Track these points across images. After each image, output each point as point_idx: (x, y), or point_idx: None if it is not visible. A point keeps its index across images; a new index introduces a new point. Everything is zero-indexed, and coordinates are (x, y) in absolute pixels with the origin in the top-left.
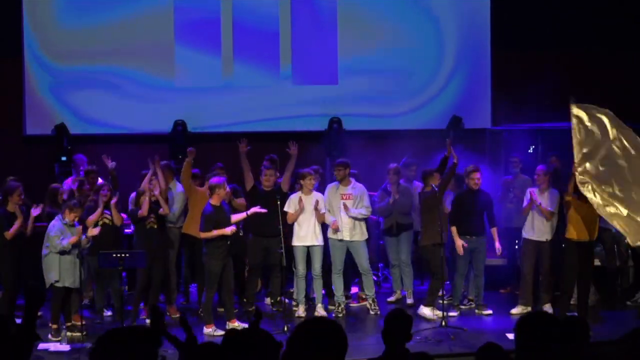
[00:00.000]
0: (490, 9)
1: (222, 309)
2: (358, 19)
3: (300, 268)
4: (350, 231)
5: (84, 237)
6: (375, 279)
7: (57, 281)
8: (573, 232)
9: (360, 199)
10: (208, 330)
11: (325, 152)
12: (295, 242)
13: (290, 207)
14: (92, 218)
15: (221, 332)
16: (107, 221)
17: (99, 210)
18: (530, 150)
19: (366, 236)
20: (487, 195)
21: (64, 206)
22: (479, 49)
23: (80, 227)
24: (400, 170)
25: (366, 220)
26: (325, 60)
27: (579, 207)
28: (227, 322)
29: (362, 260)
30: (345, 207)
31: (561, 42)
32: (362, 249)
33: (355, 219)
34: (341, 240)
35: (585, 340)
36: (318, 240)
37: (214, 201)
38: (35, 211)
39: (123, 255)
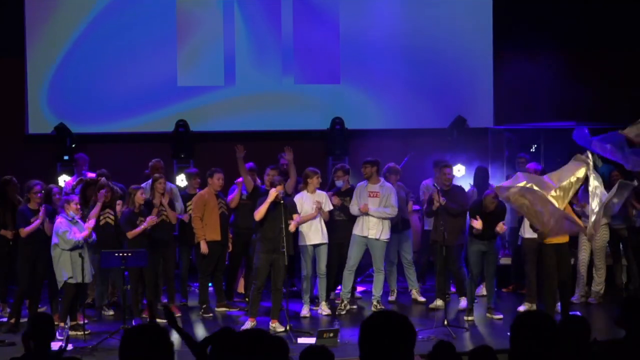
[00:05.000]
0: (492, 8)
1: (222, 308)
2: (360, 18)
3: (308, 268)
4: (377, 229)
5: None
6: None
7: (70, 277)
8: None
9: (386, 197)
10: (252, 323)
11: (327, 151)
12: (303, 241)
13: (297, 206)
14: (91, 215)
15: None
16: (109, 221)
17: (97, 207)
18: (533, 150)
19: (389, 236)
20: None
21: (61, 202)
22: (481, 48)
23: (92, 221)
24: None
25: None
26: (327, 59)
27: None
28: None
29: (380, 259)
30: (366, 207)
31: (563, 41)
32: (383, 248)
33: (378, 217)
34: (363, 236)
35: (585, 340)
36: (324, 239)
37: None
38: (41, 211)
39: (125, 254)
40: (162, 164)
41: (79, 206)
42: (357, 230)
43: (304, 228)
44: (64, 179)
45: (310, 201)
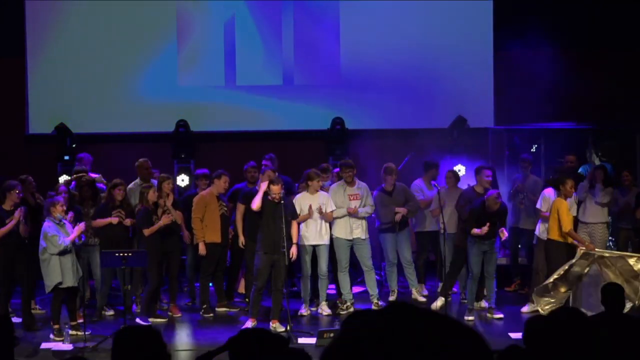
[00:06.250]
0: (493, 8)
1: (222, 308)
2: (360, 17)
3: (307, 268)
4: (361, 229)
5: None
6: (378, 278)
7: (60, 283)
8: (558, 233)
9: (365, 198)
10: (253, 323)
11: (327, 151)
12: (302, 241)
13: (297, 207)
14: (105, 220)
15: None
16: (123, 221)
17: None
18: (533, 150)
19: (368, 234)
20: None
21: (46, 206)
22: (481, 48)
23: (82, 225)
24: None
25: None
26: (327, 60)
27: (564, 208)
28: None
29: (367, 258)
30: (355, 210)
31: (564, 41)
32: (368, 246)
33: (362, 217)
34: (349, 240)
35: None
36: (324, 240)
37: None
38: (16, 213)
39: (126, 254)
40: (150, 163)
41: (64, 207)
42: (339, 233)
43: (303, 228)
44: (64, 179)
45: (310, 202)
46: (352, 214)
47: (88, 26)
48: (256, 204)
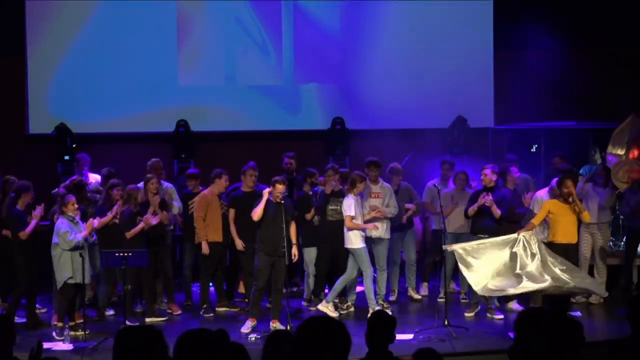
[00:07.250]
0: (493, 8)
1: (222, 308)
2: (360, 17)
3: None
4: (382, 228)
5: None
6: (376, 276)
7: (70, 278)
8: (559, 235)
9: (388, 198)
10: (253, 323)
11: (327, 151)
12: (360, 243)
13: (351, 210)
14: (105, 219)
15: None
16: (117, 221)
17: (115, 208)
18: (533, 150)
19: (389, 235)
20: (503, 192)
21: (58, 204)
22: (481, 48)
23: (92, 221)
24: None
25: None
26: (327, 59)
27: (561, 209)
28: (272, 321)
29: (383, 258)
30: (376, 207)
31: (563, 41)
32: (386, 247)
33: (386, 215)
34: (371, 238)
35: (579, 342)
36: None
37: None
38: (37, 211)
39: (126, 254)
40: (162, 164)
41: (77, 206)
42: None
43: (356, 231)
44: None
45: (361, 205)
46: (376, 216)
47: (88, 26)
48: (257, 214)
